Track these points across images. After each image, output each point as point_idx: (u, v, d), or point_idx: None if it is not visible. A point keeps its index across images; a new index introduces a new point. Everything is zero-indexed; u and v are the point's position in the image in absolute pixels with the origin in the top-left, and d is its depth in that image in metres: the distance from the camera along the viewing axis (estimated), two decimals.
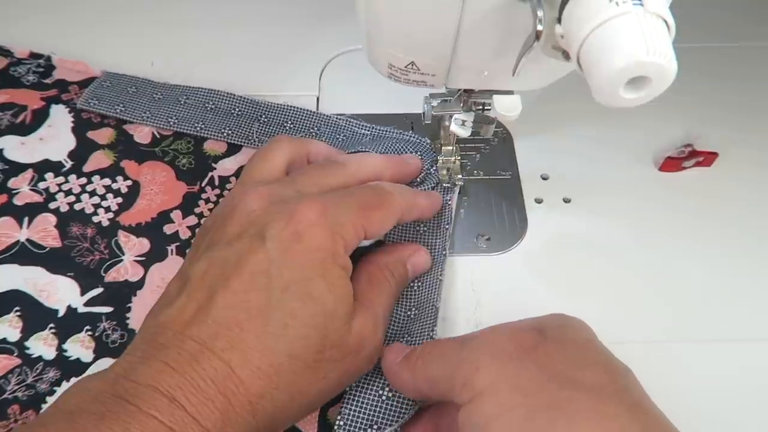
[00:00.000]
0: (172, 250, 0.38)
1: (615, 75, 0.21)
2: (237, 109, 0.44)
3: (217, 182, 0.41)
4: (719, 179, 0.42)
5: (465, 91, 0.34)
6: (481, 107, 0.35)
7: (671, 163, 0.42)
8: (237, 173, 0.41)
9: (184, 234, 0.39)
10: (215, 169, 0.41)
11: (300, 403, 0.28)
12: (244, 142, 0.42)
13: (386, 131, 0.42)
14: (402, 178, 0.37)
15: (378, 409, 0.30)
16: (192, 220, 0.39)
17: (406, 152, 0.40)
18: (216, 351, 0.26)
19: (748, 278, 0.38)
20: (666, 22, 0.21)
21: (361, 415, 0.30)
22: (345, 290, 0.29)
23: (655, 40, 0.21)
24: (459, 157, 0.41)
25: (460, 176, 0.40)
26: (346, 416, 0.30)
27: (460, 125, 0.36)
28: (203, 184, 0.41)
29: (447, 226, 0.38)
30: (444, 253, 0.37)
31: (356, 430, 0.30)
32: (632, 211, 0.40)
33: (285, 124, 0.43)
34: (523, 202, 0.41)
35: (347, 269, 0.30)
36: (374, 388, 0.31)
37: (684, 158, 0.42)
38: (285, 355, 0.27)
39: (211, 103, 0.44)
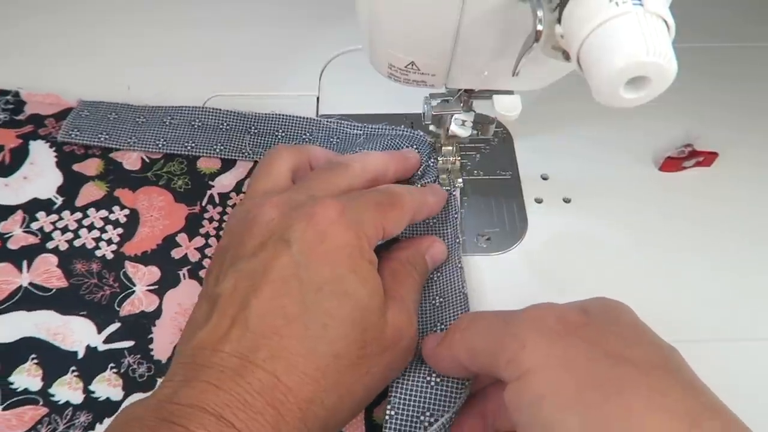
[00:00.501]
0: (184, 274, 0.37)
1: (615, 75, 0.21)
2: (225, 124, 0.43)
3: (217, 200, 0.40)
4: (719, 179, 0.42)
5: (465, 91, 0.34)
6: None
7: (671, 163, 0.42)
8: (236, 188, 0.41)
9: (194, 256, 0.38)
10: (213, 186, 0.41)
11: (349, 403, 0.28)
12: (238, 156, 0.42)
13: (379, 129, 0.42)
14: (405, 173, 0.38)
15: (427, 395, 0.30)
16: (199, 241, 0.38)
17: (403, 147, 0.40)
18: (258, 363, 0.25)
19: (749, 278, 0.38)
20: (666, 22, 0.21)
21: (411, 403, 0.30)
22: (376, 283, 0.29)
23: (655, 40, 0.21)
24: (459, 158, 0.41)
25: (460, 180, 0.40)
26: (396, 405, 0.30)
27: (460, 125, 0.36)
28: (204, 204, 0.40)
29: (455, 215, 0.38)
30: (457, 240, 0.37)
31: (407, 418, 0.30)
32: (632, 211, 0.40)
33: (276, 133, 0.43)
34: (523, 202, 0.41)
35: (374, 263, 0.30)
36: (421, 374, 0.31)
37: (684, 158, 0.42)
38: (329, 355, 0.26)
39: (197, 120, 0.43)
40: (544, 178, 0.42)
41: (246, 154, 0.42)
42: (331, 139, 0.43)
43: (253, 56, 0.49)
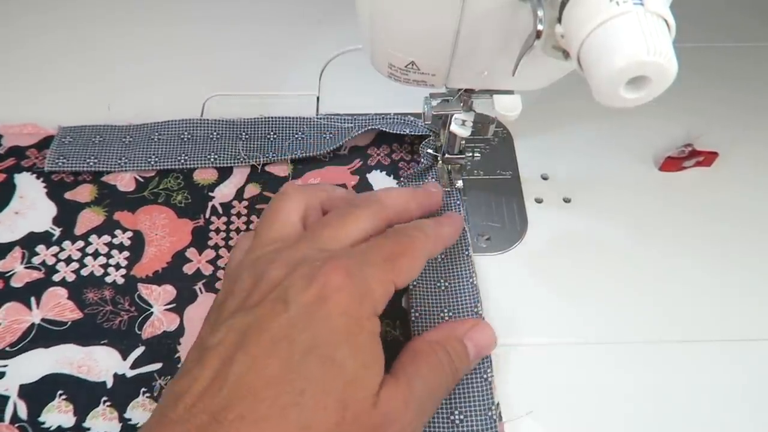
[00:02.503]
0: (200, 288, 0.37)
1: (615, 75, 0.21)
2: (215, 133, 0.42)
3: (220, 210, 0.40)
4: (719, 179, 0.42)
5: (465, 91, 0.34)
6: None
7: (671, 163, 0.42)
8: (237, 196, 0.40)
9: (207, 270, 0.37)
10: (213, 197, 0.40)
11: None
12: (234, 163, 0.41)
13: (369, 119, 0.42)
14: (428, 210, 0.36)
15: None
16: (210, 253, 0.38)
17: (396, 131, 0.41)
18: (224, 422, 0.24)
19: (749, 278, 0.38)
20: (666, 21, 0.21)
21: None
22: (372, 356, 0.27)
23: (655, 39, 0.21)
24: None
25: (460, 180, 0.40)
26: None
27: (460, 125, 0.36)
28: (207, 216, 0.39)
29: (464, 231, 0.38)
30: (466, 252, 0.37)
31: None
32: (632, 211, 0.40)
33: (268, 136, 0.42)
34: (523, 202, 0.41)
35: (376, 333, 0.28)
36: None
37: (684, 158, 0.42)
38: (299, 426, 0.24)
39: (186, 133, 0.42)
40: (544, 178, 0.42)
41: (241, 159, 0.41)
42: (324, 135, 0.43)
43: (253, 56, 0.49)
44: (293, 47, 0.49)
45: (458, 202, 0.40)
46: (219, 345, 0.26)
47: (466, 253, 0.37)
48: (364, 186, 0.41)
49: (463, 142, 0.39)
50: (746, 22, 0.52)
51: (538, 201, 0.41)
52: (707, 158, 0.42)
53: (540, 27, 0.23)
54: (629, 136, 0.44)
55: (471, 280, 0.36)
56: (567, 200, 0.41)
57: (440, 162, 0.41)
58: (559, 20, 0.23)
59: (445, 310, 0.35)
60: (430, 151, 0.41)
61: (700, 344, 0.35)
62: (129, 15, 0.51)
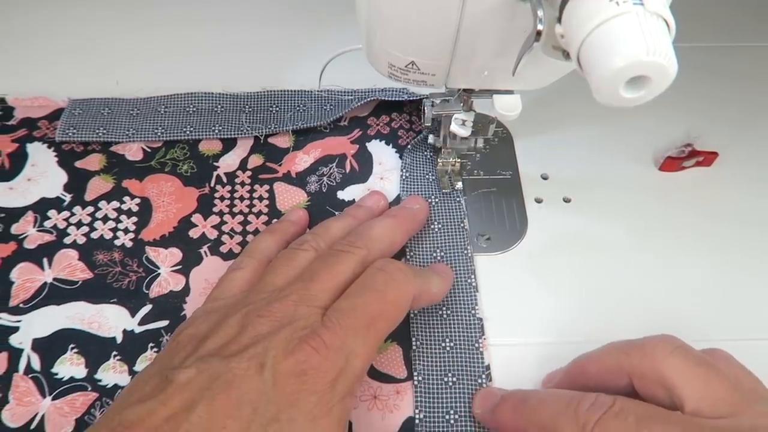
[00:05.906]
0: (205, 252, 0.38)
1: (615, 75, 0.21)
2: (219, 106, 0.44)
3: (225, 179, 0.41)
4: (719, 179, 0.42)
5: (465, 90, 0.34)
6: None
7: (671, 163, 0.42)
8: (241, 166, 0.42)
9: (212, 234, 0.39)
10: (218, 167, 0.42)
11: None
12: (237, 134, 0.43)
13: (368, 92, 0.43)
14: (413, 232, 0.37)
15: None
16: (214, 219, 0.39)
17: (395, 98, 0.42)
18: None
19: (749, 278, 0.38)
20: (666, 21, 0.21)
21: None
22: None
23: (655, 39, 0.21)
24: (458, 159, 0.41)
25: (460, 182, 0.40)
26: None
27: (460, 125, 0.36)
28: (212, 185, 0.41)
29: (464, 231, 0.39)
30: (466, 253, 0.38)
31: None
32: (632, 211, 0.40)
33: (271, 109, 0.44)
34: (523, 202, 0.41)
35: (342, 419, 0.27)
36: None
37: (684, 158, 0.42)
38: None
39: (191, 106, 0.44)
40: (544, 178, 0.42)
41: (244, 131, 0.43)
42: (325, 107, 0.44)
43: (254, 56, 0.49)
44: (293, 47, 0.49)
45: (458, 203, 0.40)
46: (186, 385, 0.26)
47: (466, 252, 0.37)
48: (363, 154, 0.42)
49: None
50: (746, 22, 0.52)
51: (538, 201, 0.41)
52: (707, 158, 0.42)
53: (540, 27, 0.23)
54: (629, 136, 0.44)
55: (469, 281, 0.36)
56: (567, 200, 0.41)
57: (440, 163, 0.41)
58: (559, 20, 0.23)
59: (443, 309, 0.35)
60: (431, 139, 0.41)
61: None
62: (127, 14, 0.51)
